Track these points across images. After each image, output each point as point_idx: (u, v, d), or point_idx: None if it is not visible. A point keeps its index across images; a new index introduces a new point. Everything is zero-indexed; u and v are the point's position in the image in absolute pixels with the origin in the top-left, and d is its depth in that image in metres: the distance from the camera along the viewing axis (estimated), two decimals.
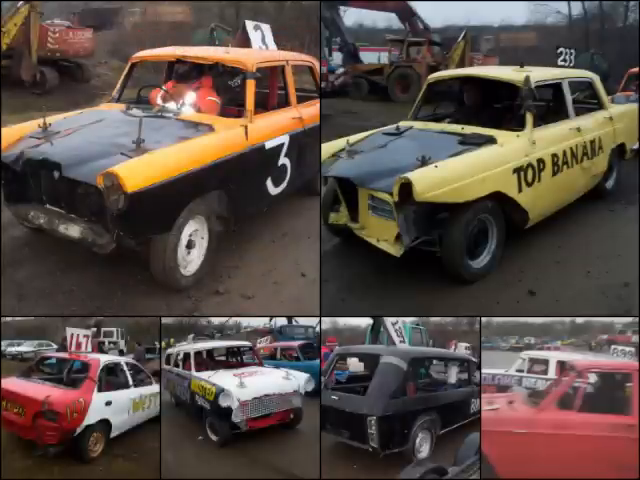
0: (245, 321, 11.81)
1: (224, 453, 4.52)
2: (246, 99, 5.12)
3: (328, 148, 5.23)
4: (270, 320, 9.92)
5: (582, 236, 5.61)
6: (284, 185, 5.62)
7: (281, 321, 9.81)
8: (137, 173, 3.93)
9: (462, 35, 17.27)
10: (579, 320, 15.68)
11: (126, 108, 5.31)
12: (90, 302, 4.44)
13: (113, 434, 4.55)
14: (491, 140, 4.89)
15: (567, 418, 3.53)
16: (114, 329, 10.91)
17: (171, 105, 5.23)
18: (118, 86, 5.79)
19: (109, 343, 10.45)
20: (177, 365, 5.77)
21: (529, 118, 5.04)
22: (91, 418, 4.26)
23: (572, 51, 6.61)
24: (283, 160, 5.50)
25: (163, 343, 7.55)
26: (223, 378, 4.92)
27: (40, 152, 4.38)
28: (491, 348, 13.77)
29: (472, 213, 4.54)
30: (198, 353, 5.70)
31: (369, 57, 21.12)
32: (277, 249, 5.48)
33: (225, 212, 4.85)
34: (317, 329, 8.45)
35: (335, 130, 7.04)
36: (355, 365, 6.03)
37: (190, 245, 4.58)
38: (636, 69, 11.31)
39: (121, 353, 9.74)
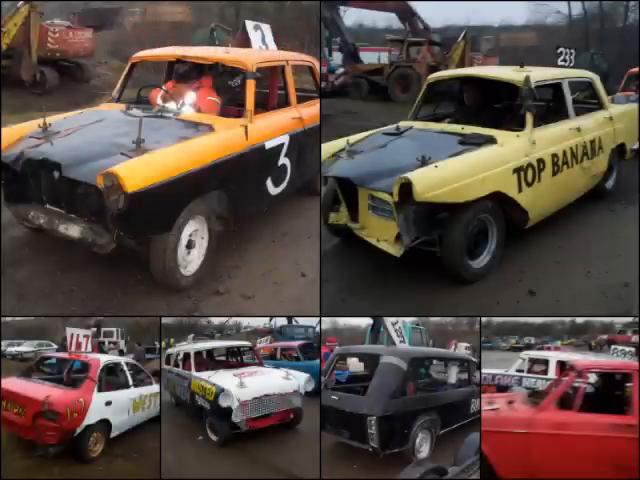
0: (245, 321, 11.84)
1: (224, 453, 4.52)
2: (246, 99, 5.12)
3: (328, 148, 5.23)
4: (270, 320, 9.93)
5: (582, 236, 5.61)
6: (284, 185, 5.62)
7: (281, 321, 9.81)
8: (137, 173, 3.93)
9: (462, 35, 17.26)
10: (579, 320, 15.70)
11: (126, 108, 5.31)
12: (90, 302, 4.43)
13: (113, 434, 4.55)
14: (491, 140, 4.89)
15: (567, 418, 3.52)
16: (114, 329, 10.91)
17: (171, 105, 5.23)
18: (118, 86, 5.79)
19: (109, 343, 10.44)
20: (177, 365, 5.77)
21: (529, 118, 5.04)
22: (91, 418, 4.26)
23: (572, 51, 6.61)
24: (283, 160, 5.50)
25: (163, 343, 7.55)
26: (223, 378, 4.91)
27: (40, 152, 4.38)
28: (491, 348, 13.79)
29: (472, 213, 4.54)
30: (198, 353, 5.69)
31: (369, 57, 21.10)
32: (277, 249, 5.48)
33: (225, 212, 4.85)
34: (317, 329, 8.44)
35: (335, 130, 7.04)
36: (355, 365, 6.03)
37: (190, 245, 4.58)
38: (636, 69, 11.31)
39: (121, 353, 9.72)
